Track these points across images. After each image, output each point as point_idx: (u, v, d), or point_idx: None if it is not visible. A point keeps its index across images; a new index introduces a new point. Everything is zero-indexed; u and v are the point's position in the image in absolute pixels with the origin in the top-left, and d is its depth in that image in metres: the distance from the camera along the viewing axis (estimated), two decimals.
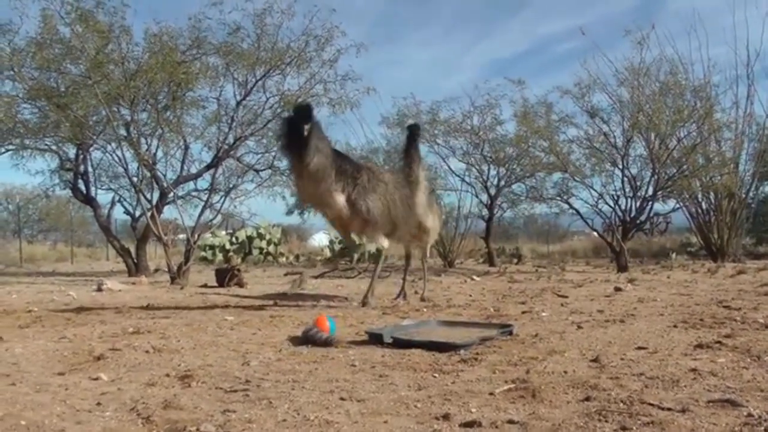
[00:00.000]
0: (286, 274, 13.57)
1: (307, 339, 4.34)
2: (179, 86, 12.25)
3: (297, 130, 6.22)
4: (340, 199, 6.70)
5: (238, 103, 12.68)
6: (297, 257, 20.49)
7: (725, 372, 3.22)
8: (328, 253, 17.11)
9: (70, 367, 3.56)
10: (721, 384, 2.96)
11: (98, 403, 2.76)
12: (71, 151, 14.77)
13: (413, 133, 7.82)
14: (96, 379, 3.24)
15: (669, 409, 2.53)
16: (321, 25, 12.19)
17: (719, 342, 4.03)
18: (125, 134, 12.34)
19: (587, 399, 2.72)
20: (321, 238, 27.29)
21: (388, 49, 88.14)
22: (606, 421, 2.40)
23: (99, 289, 9.45)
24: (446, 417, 2.48)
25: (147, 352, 4.01)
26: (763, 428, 2.27)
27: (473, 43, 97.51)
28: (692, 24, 17.85)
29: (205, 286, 10.48)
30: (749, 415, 2.44)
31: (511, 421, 2.41)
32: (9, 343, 4.38)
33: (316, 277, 12.59)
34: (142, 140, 12.47)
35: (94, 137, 13.17)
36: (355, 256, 16.13)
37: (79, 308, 6.86)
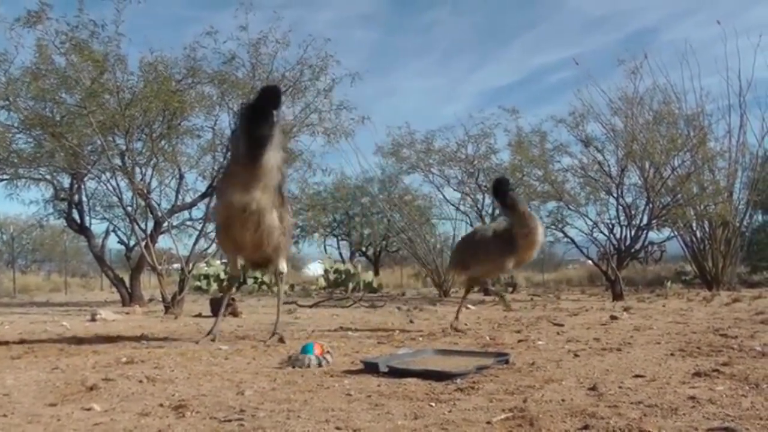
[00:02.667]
0: None
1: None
2: (174, 115, 12.27)
3: (262, 116, 5.22)
4: (273, 217, 5.84)
5: (233, 132, 12.67)
6: (291, 287, 20.40)
7: (724, 400, 3.20)
8: (322, 283, 17.07)
9: (62, 397, 3.51)
10: (720, 412, 2.94)
11: None
12: (65, 181, 14.78)
13: None
14: (89, 409, 3.20)
15: None
16: (316, 54, 12.25)
17: (717, 370, 4.00)
18: (120, 163, 12.33)
19: (585, 427, 2.69)
20: (315, 268, 27.30)
21: (383, 79, 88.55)
22: None
23: (93, 319, 9.40)
24: None
25: (140, 381, 3.97)
26: None
27: (468, 72, 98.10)
28: (684, 54, 17.90)
29: (199, 315, 10.44)
30: None
31: None
32: (0, 374, 4.34)
33: (310, 307, 12.54)
34: (137, 169, 12.46)
35: (89, 167, 13.14)
36: (350, 286, 16.09)
37: (72, 338, 6.82)
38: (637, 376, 3.95)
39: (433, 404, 3.23)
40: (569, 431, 2.67)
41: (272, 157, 5.41)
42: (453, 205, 19.25)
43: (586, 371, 4.17)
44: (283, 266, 6.44)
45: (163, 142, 12.76)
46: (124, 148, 12.15)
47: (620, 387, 3.60)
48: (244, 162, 5.48)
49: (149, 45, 12.57)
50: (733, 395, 3.31)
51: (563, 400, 3.26)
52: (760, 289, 17.60)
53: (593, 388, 3.52)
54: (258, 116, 5.26)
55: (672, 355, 4.86)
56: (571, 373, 4.08)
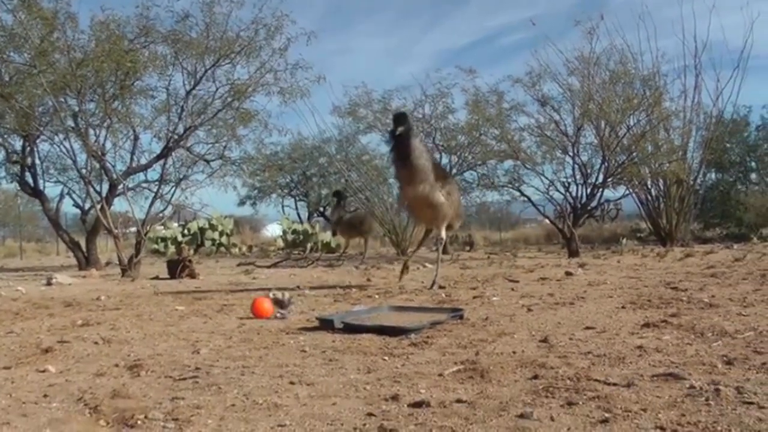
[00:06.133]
0: (238, 265, 13.51)
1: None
2: (127, 75, 12.10)
3: (393, 134, 6.88)
4: (440, 197, 7.24)
5: (188, 93, 12.57)
6: (250, 248, 20.39)
7: (670, 348, 3.28)
8: (280, 243, 17.09)
9: (16, 360, 3.49)
10: (666, 359, 3.02)
11: (45, 395, 2.72)
12: (17, 143, 14.52)
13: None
14: (43, 371, 3.20)
15: (614, 384, 2.58)
16: (271, 13, 12.14)
17: (665, 321, 4.10)
18: (73, 125, 12.15)
19: (535, 377, 2.75)
20: (274, 229, 27.28)
21: (339, 39, 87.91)
22: (553, 397, 2.43)
23: (49, 284, 9.31)
24: (395, 398, 2.49)
25: (96, 343, 3.97)
26: (703, 399, 2.33)
27: (423, 33, 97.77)
28: (641, 15, 18.02)
29: (156, 278, 10.38)
30: (691, 387, 2.49)
31: (459, 401, 2.43)
32: None
33: (268, 267, 12.54)
34: (91, 131, 12.28)
35: (41, 128, 12.94)
36: (309, 246, 16.10)
37: (27, 302, 6.75)
38: (587, 328, 4.04)
39: (387, 358, 3.28)
40: (519, 381, 2.73)
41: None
42: None
43: (538, 324, 4.24)
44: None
45: (116, 103, 12.60)
46: (76, 109, 11.96)
47: (571, 339, 3.67)
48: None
49: (100, 3, 12.34)
50: (679, 344, 3.40)
51: (514, 353, 3.32)
52: (713, 244, 17.95)
53: (544, 341, 3.60)
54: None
55: (623, 307, 4.96)
56: (524, 327, 4.16)
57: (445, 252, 18.07)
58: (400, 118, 7.04)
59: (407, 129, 6.88)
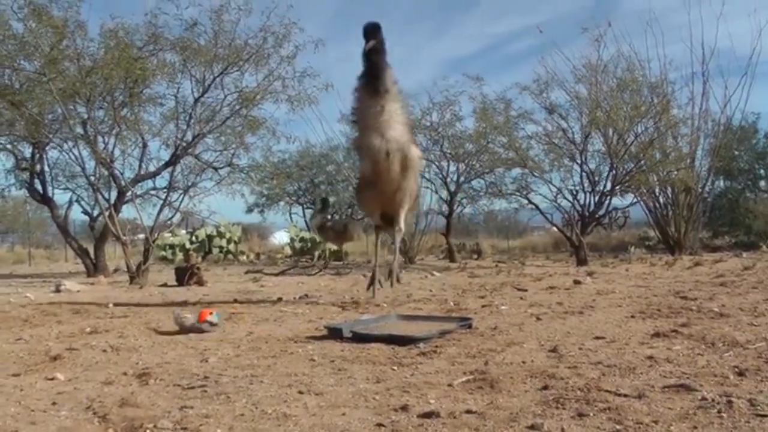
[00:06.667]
0: (246, 272, 13.51)
1: (177, 323, 4.79)
2: (136, 83, 12.13)
3: (364, 53, 5.60)
4: (415, 149, 6.05)
5: (196, 100, 12.58)
6: (257, 255, 20.39)
7: (680, 359, 3.27)
8: (288, 251, 17.09)
9: (25, 368, 3.50)
10: (677, 370, 3.01)
11: (54, 403, 2.72)
12: (27, 150, 14.54)
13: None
14: (52, 379, 3.20)
15: (625, 396, 2.57)
16: (279, 21, 12.16)
17: (675, 330, 4.08)
18: (82, 132, 12.17)
19: (545, 388, 2.74)
20: (281, 237, 27.31)
21: (346, 46, 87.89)
22: (563, 408, 2.42)
23: (57, 290, 9.32)
24: (404, 408, 2.48)
25: (104, 351, 3.97)
26: (716, 411, 2.31)
27: (429, 40, 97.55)
28: (648, 22, 18.02)
29: (164, 285, 10.39)
30: (703, 398, 2.48)
31: (469, 411, 2.42)
32: None
33: (276, 275, 12.54)
34: (99, 138, 12.31)
35: (50, 135, 12.97)
36: (316, 254, 16.10)
37: (36, 309, 6.76)
38: (597, 337, 4.02)
39: (396, 368, 3.27)
40: (529, 392, 2.72)
41: None
42: None
43: (547, 334, 4.22)
44: None
45: (125, 110, 12.63)
46: (85, 116, 12.00)
47: (580, 348, 3.66)
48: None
49: (110, 11, 12.40)
50: (690, 354, 3.38)
51: (524, 362, 3.31)
52: (721, 253, 17.87)
53: (554, 350, 3.58)
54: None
55: (632, 317, 4.94)
56: (533, 336, 4.14)
57: (452, 260, 18.11)
58: (371, 30, 5.58)
59: (381, 42, 5.56)
